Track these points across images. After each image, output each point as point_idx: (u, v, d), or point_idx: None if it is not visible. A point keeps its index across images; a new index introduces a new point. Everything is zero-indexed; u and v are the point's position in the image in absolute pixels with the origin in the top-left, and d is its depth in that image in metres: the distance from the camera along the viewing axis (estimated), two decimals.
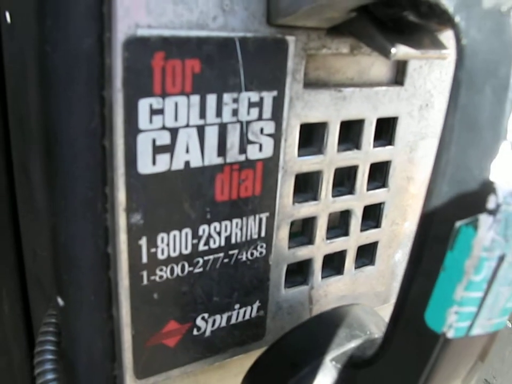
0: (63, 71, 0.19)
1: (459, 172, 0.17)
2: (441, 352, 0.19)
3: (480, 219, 0.17)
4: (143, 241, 0.22)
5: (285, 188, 0.25)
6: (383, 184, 0.29)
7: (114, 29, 0.19)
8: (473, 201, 0.17)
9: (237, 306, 0.26)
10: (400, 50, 0.21)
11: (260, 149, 0.23)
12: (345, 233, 0.29)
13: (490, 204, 0.16)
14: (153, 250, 0.22)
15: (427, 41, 0.23)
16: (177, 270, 0.23)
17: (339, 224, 0.29)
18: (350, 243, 0.29)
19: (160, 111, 0.20)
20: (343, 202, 0.27)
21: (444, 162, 0.18)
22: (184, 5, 0.19)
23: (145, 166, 0.20)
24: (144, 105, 0.19)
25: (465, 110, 0.17)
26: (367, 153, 0.27)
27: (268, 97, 0.22)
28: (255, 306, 0.26)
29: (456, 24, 0.17)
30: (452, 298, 0.18)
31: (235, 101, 0.21)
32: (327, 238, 0.28)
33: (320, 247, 0.27)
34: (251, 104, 0.22)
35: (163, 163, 0.21)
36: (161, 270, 0.23)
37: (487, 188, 0.17)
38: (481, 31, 0.17)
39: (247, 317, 0.26)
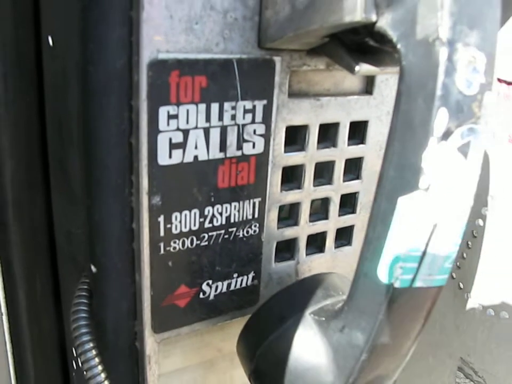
0: (101, 85, 0.25)
1: (400, 160, 0.23)
2: (391, 301, 0.24)
3: (415, 195, 0.22)
4: (161, 219, 0.27)
5: (274, 178, 0.31)
6: (357, 177, 0.35)
7: (141, 53, 0.24)
8: (411, 181, 0.22)
9: (235, 275, 0.31)
10: (362, 68, 0.27)
11: (253, 146, 0.29)
12: (326, 217, 0.34)
13: (422, 183, 0.22)
14: (168, 226, 0.28)
15: (386, 59, 0.29)
16: (187, 242, 0.29)
17: (320, 210, 0.34)
18: (329, 226, 0.34)
19: (175, 116, 0.26)
20: (323, 191, 0.33)
21: (390, 154, 0.23)
22: (193, 35, 0.25)
23: (163, 159, 0.26)
24: (163, 111, 0.25)
25: (404, 114, 0.23)
26: (343, 151, 0.33)
27: (259, 105, 0.28)
28: (250, 276, 0.32)
29: (398, 50, 0.23)
30: (397, 256, 0.23)
31: (233, 108, 0.27)
32: (310, 221, 0.33)
33: (304, 228, 0.33)
34: (246, 111, 0.28)
35: (177, 157, 0.27)
36: (174, 242, 0.28)
37: (420, 171, 0.22)
38: (415, 55, 0.22)
39: (243, 284, 0.32)
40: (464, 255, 0.56)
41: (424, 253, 0.24)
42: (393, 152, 0.23)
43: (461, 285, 0.57)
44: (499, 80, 0.50)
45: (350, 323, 0.26)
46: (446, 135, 0.22)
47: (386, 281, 0.24)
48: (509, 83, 0.49)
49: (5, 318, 0.40)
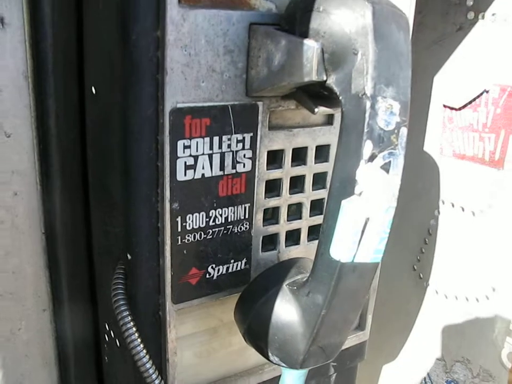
0: (137, 126, 0.36)
1: (342, 174, 0.34)
2: (340, 271, 0.35)
3: (353, 198, 0.33)
4: (179, 219, 0.38)
5: (259, 188, 0.42)
6: (323, 187, 0.46)
7: (165, 104, 0.35)
8: (349, 189, 0.33)
9: (232, 261, 0.42)
10: (320, 109, 0.38)
11: (244, 166, 0.40)
12: (300, 217, 0.45)
13: (357, 190, 0.33)
14: (184, 224, 0.39)
15: (336, 103, 0.40)
16: (197, 236, 0.39)
17: (295, 212, 0.45)
18: (303, 224, 0.45)
19: (189, 147, 0.37)
20: (297, 198, 0.44)
21: (335, 170, 0.34)
22: (201, 90, 0.36)
23: (180, 176, 0.37)
24: (180, 143, 0.36)
25: (344, 144, 0.34)
26: (311, 167, 0.44)
27: (248, 136, 0.39)
28: (243, 262, 0.43)
29: (340, 100, 0.34)
30: (342, 240, 0.34)
31: (229, 139, 0.38)
32: (288, 221, 0.44)
33: (283, 225, 0.44)
34: (238, 141, 0.39)
35: (190, 175, 0.37)
36: (188, 236, 0.39)
37: (355, 182, 0.33)
38: (350, 104, 0.33)
39: (238, 268, 0.43)
40: (423, 250, 0.67)
41: (361, 237, 0.34)
42: (337, 169, 0.34)
43: (421, 275, 0.68)
44: (444, 106, 0.62)
45: (313, 289, 0.37)
46: (372, 158, 0.33)
47: (336, 257, 0.35)
48: (451, 108, 0.61)
49: (50, 303, 0.51)
